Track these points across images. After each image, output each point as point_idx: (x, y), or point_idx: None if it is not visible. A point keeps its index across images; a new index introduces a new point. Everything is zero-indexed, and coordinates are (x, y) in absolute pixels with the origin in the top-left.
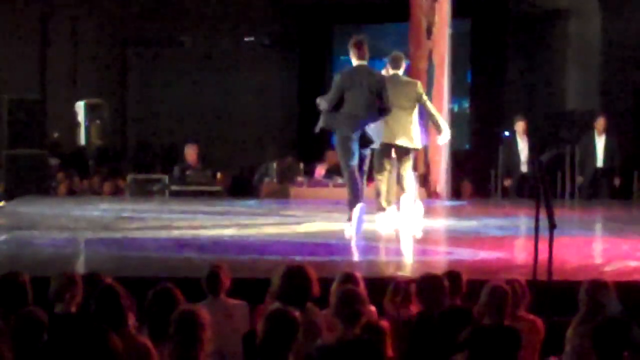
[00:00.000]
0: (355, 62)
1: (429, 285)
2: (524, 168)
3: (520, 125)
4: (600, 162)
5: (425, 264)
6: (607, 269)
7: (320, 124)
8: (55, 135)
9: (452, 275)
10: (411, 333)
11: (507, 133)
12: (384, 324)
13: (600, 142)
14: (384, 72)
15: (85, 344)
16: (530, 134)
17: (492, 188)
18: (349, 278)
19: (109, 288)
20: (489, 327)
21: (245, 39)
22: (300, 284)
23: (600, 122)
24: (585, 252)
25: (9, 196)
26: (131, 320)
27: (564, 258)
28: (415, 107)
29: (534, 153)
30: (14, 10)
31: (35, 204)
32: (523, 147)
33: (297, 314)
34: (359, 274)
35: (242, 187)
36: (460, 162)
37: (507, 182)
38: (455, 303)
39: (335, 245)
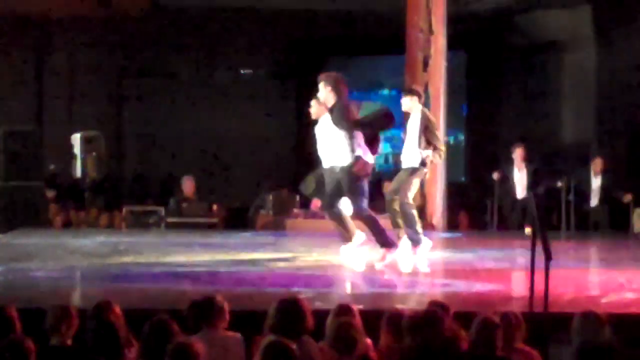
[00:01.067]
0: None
1: (427, 317)
2: (521, 195)
3: (518, 152)
4: (594, 202)
5: (421, 296)
6: (604, 301)
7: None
8: (52, 167)
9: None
10: None
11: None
12: (379, 356)
13: (595, 182)
14: (414, 103)
15: None
16: (529, 159)
17: (488, 220)
18: (344, 310)
19: (105, 320)
20: (482, 358)
21: (242, 71)
22: (294, 317)
23: (597, 163)
24: (581, 284)
25: (4, 228)
26: (133, 354)
27: (560, 290)
28: None
29: (530, 186)
30: (9, 42)
31: (31, 236)
32: (522, 175)
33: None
34: (354, 306)
35: (238, 219)
36: (456, 194)
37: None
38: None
39: (331, 277)
